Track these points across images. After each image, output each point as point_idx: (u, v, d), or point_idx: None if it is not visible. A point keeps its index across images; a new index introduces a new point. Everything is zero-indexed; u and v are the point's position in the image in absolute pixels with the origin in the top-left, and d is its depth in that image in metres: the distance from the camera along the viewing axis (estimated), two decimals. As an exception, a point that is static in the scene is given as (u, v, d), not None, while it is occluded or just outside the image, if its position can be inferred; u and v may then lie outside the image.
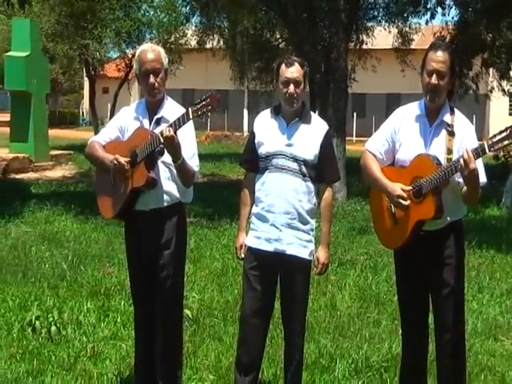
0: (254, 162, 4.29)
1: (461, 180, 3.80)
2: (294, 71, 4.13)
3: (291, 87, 4.12)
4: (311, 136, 4.21)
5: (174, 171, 4.16)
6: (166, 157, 4.09)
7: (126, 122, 4.31)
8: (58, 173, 17.92)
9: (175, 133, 3.93)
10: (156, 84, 4.14)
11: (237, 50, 21.71)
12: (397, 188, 3.91)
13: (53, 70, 27.91)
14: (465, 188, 3.80)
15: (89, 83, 27.96)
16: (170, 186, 4.20)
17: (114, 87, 28.74)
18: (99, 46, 23.58)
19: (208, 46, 22.46)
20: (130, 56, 24.88)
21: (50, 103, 40.02)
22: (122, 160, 4.08)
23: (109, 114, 27.14)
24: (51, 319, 5.67)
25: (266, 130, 4.26)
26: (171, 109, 4.25)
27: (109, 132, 4.36)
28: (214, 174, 18.49)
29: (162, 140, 3.94)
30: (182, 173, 4.13)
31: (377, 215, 4.21)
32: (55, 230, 9.81)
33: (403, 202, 3.88)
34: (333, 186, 4.38)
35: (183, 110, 4.15)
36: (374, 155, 4.12)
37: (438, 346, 4.06)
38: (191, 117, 3.89)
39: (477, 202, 3.92)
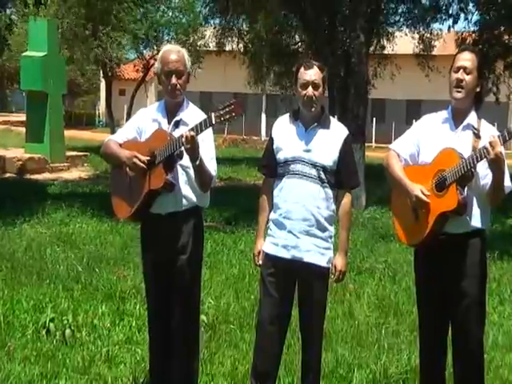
0: (273, 168, 4.29)
1: (485, 181, 3.83)
2: (312, 74, 4.13)
3: (310, 89, 4.11)
4: (330, 141, 4.20)
5: (192, 175, 4.16)
6: (184, 160, 4.10)
7: (143, 123, 4.31)
8: (73, 174, 18.02)
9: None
10: (178, 85, 4.15)
11: (255, 53, 21.73)
12: (415, 188, 3.91)
13: (70, 70, 28.03)
14: (490, 183, 3.80)
15: (105, 85, 28.10)
16: (187, 189, 4.19)
17: (130, 89, 28.88)
18: (116, 47, 23.71)
19: (227, 48, 22.50)
20: (147, 57, 25.00)
21: (66, 104, 40.24)
22: (143, 157, 4.08)
23: (125, 116, 27.30)
24: (66, 322, 5.69)
25: (285, 136, 4.26)
26: (191, 112, 4.26)
27: (126, 132, 4.36)
28: (231, 178, 18.51)
29: (182, 142, 3.94)
30: (200, 175, 4.11)
31: (398, 211, 4.19)
32: (70, 232, 9.85)
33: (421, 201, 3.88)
34: (352, 192, 4.36)
35: (202, 114, 4.17)
36: (398, 155, 4.13)
37: (456, 359, 4.04)
38: (214, 122, 3.89)
39: (501, 199, 3.92)
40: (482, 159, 3.72)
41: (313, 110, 4.16)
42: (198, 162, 4.02)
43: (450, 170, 3.83)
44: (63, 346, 5.46)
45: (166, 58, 4.15)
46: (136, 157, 4.09)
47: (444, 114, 4.09)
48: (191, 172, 4.15)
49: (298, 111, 4.26)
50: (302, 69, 4.17)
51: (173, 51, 4.18)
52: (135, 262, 7.83)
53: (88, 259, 8.10)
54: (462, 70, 3.92)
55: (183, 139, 3.92)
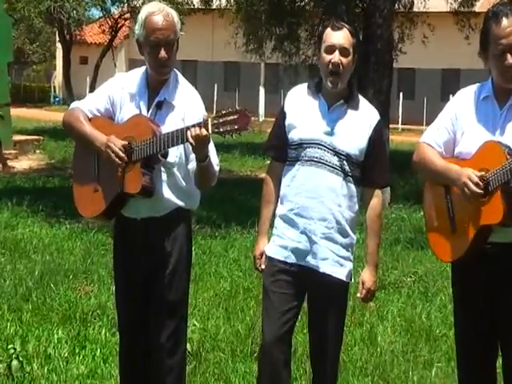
0: (282, 150, 4.30)
1: None
2: (341, 36, 4.15)
3: (336, 54, 4.12)
4: (358, 125, 4.21)
5: (176, 173, 4.18)
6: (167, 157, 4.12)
7: (119, 95, 4.27)
8: (23, 163, 18.04)
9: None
10: (168, 60, 4.10)
11: (252, 11, 21.69)
12: (463, 175, 3.81)
13: (18, 35, 27.99)
14: None
15: (62, 51, 28.08)
16: (167, 191, 4.19)
17: (94, 56, 28.88)
18: (76, 2, 23.63)
19: (215, 6, 22.46)
20: (115, 16, 24.91)
21: (13, 75, 40.22)
22: (121, 153, 4.04)
23: (88, 90, 27.27)
24: (12, 351, 5.66)
25: (301, 111, 4.27)
26: (178, 91, 4.23)
27: (97, 102, 4.31)
28: (220, 170, 18.39)
29: (175, 142, 3.94)
30: (204, 174, 4.15)
31: (432, 221, 4.19)
32: (19, 237, 9.83)
33: (475, 188, 3.78)
34: (382, 192, 4.35)
35: (195, 94, 4.21)
36: (431, 146, 4.10)
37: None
38: (210, 131, 3.88)
39: None
40: None
41: (339, 86, 4.15)
42: (206, 162, 4.05)
43: (494, 172, 3.80)
44: (9, 381, 5.45)
45: (152, 24, 4.08)
46: (114, 149, 4.04)
47: (484, 88, 4.04)
48: (174, 170, 4.17)
49: (320, 83, 4.26)
50: (328, 29, 4.20)
51: (160, 14, 4.08)
52: (100, 275, 7.84)
53: (41, 272, 8.09)
54: (509, 54, 3.80)
55: (191, 134, 3.87)
